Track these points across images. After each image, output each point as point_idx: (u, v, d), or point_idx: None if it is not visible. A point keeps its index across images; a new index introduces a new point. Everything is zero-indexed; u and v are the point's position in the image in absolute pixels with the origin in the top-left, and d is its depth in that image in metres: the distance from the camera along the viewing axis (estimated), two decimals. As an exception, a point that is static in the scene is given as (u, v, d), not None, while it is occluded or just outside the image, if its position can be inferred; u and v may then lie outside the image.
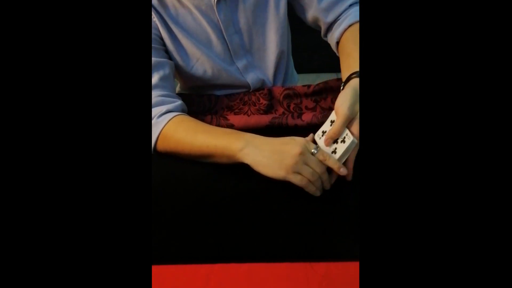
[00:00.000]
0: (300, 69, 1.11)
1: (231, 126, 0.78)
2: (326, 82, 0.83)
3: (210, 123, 0.78)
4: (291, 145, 0.60)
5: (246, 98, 0.85)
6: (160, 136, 0.71)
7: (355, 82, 0.65)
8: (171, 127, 0.71)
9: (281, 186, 0.62)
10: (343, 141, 0.61)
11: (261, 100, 0.84)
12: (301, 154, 0.59)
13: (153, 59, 0.76)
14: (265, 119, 0.79)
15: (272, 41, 0.85)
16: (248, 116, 0.82)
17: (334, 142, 0.62)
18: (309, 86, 0.84)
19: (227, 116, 0.80)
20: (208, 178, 0.66)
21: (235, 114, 0.83)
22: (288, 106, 0.83)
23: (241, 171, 0.65)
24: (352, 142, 0.60)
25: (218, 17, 0.79)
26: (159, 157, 0.71)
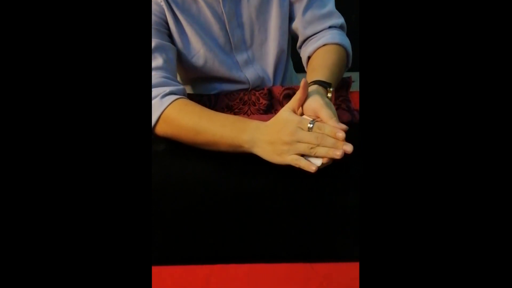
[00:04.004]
0: (300, 69, 1.11)
1: (231, 126, 0.78)
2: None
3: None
4: (283, 132, 0.61)
5: (246, 98, 0.85)
6: (161, 118, 0.70)
7: (314, 87, 0.68)
8: (174, 110, 0.70)
9: (281, 186, 0.62)
10: None
11: (261, 100, 0.84)
12: (291, 140, 0.60)
13: (158, 41, 0.76)
14: (265, 119, 0.79)
15: (274, 38, 0.86)
16: (248, 115, 0.82)
17: None
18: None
19: (227, 116, 0.80)
20: (208, 178, 0.66)
21: (235, 114, 0.83)
22: (288, 106, 0.83)
23: (241, 171, 0.65)
24: None
25: (223, 9, 0.80)
26: (159, 157, 0.71)
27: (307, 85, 0.65)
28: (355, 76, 0.87)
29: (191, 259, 0.51)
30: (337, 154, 0.57)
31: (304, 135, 0.60)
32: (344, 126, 0.59)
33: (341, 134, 0.58)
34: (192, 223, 0.57)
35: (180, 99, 0.72)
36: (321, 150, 0.58)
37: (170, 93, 0.72)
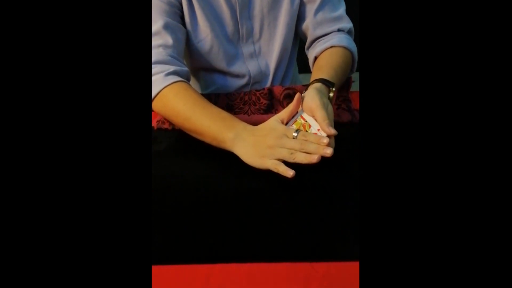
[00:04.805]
0: (300, 69, 1.11)
1: (231, 126, 0.78)
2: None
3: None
4: (269, 137, 0.63)
5: (246, 98, 0.85)
6: (159, 95, 0.72)
7: (317, 84, 0.70)
8: (171, 92, 0.72)
9: (281, 186, 0.62)
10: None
11: (262, 100, 0.84)
12: (275, 144, 0.62)
13: (170, 21, 0.78)
14: (265, 118, 0.79)
15: (280, 35, 0.87)
16: (249, 115, 0.82)
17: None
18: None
19: (227, 116, 0.80)
20: (209, 178, 0.66)
21: (235, 113, 0.83)
22: (289, 106, 0.84)
23: (241, 171, 0.65)
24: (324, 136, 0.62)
25: None
26: (159, 156, 0.71)
27: (301, 98, 0.68)
28: (355, 76, 0.87)
29: (191, 258, 0.51)
30: (314, 158, 0.59)
31: (288, 141, 0.62)
32: (333, 131, 0.61)
33: (325, 140, 0.60)
34: (192, 223, 0.57)
35: (181, 82, 0.73)
36: (300, 156, 0.60)
37: (174, 72, 0.74)
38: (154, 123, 0.82)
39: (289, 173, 0.60)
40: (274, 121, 0.66)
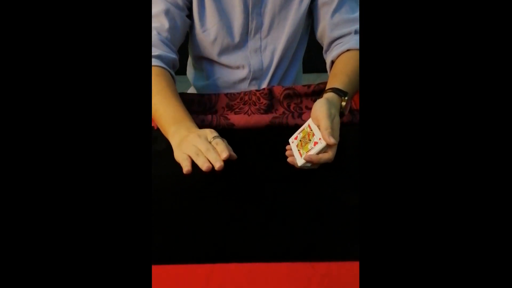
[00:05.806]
0: (305, 69, 1.11)
1: (231, 126, 0.78)
2: (326, 83, 0.84)
3: (211, 122, 0.78)
4: (190, 136, 0.64)
5: (246, 98, 0.85)
6: None
7: (329, 94, 0.71)
8: None
9: (281, 187, 0.62)
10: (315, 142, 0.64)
11: (262, 100, 0.84)
12: (193, 140, 0.63)
13: (173, 8, 0.79)
14: (265, 118, 0.79)
15: (286, 34, 0.88)
16: (249, 115, 0.82)
17: (305, 143, 0.65)
18: (309, 86, 0.85)
19: (227, 116, 0.80)
20: (209, 178, 0.66)
21: (235, 113, 0.83)
22: (289, 106, 0.84)
23: (241, 172, 0.65)
24: (324, 146, 0.62)
25: None
26: (159, 157, 0.71)
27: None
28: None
29: (191, 258, 0.51)
30: (204, 166, 0.59)
31: (201, 141, 0.62)
32: (332, 141, 0.62)
33: (224, 155, 0.60)
34: (192, 223, 0.57)
35: (158, 68, 0.75)
36: (199, 160, 0.60)
37: (158, 57, 0.76)
38: (154, 123, 0.82)
39: (184, 169, 0.60)
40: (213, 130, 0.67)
